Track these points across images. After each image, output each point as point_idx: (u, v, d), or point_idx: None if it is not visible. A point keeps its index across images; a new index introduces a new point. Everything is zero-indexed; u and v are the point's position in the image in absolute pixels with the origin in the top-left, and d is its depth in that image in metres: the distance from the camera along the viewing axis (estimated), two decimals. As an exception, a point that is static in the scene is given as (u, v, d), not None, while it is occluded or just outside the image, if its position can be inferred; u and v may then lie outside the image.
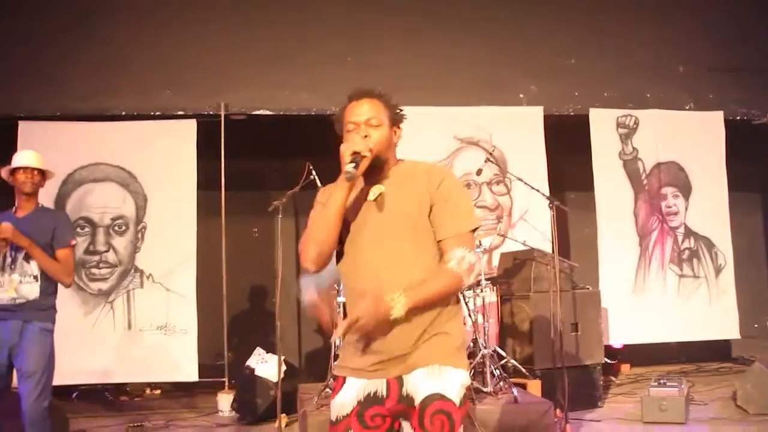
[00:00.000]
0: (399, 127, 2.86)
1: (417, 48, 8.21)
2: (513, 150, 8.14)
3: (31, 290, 4.72)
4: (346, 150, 2.67)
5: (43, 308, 4.77)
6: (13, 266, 4.71)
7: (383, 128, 2.78)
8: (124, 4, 7.95)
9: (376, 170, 2.78)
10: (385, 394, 2.68)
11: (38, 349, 4.67)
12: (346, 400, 2.71)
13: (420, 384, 2.65)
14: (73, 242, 4.96)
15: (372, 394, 2.69)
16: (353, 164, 2.65)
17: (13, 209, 4.89)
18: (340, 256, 2.83)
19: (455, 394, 2.64)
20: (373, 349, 2.69)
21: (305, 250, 2.73)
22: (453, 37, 8.34)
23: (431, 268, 2.71)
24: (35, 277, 4.74)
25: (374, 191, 2.78)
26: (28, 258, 4.72)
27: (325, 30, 8.18)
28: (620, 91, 8.58)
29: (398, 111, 2.86)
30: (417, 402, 2.63)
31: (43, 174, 4.93)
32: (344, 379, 2.76)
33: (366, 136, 2.73)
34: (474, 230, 2.80)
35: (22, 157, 4.91)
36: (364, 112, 2.78)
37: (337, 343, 6.47)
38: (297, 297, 6.18)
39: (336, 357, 6.42)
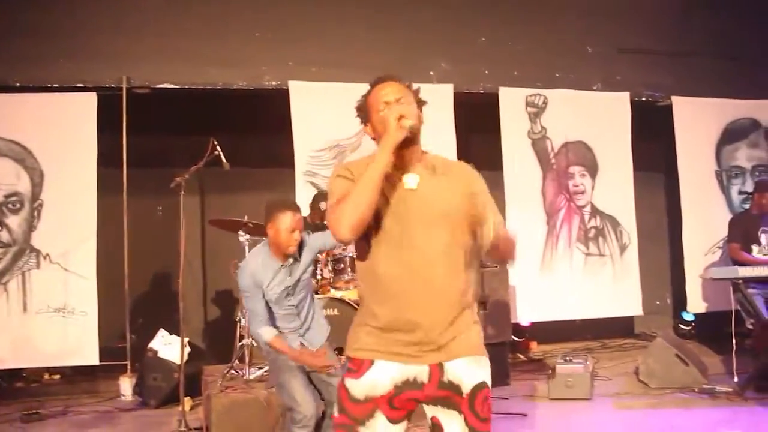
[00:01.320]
0: (422, 111, 2.90)
1: (325, 24, 8.05)
2: (422, 128, 8.06)
3: None
4: (391, 114, 2.72)
5: None
6: None
7: (415, 106, 2.84)
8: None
9: (407, 156, 2.81)
10: (426, 380, 2.71)
11: None
12: (379, 382, 2.71)
13: (465, 373, 2.73)
14: None
15: (411, 380, 2.71)
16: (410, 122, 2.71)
17: None
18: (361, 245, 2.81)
19: (490, 382, 2.81)
20: (409, 330, 2.69)
21: (342, 217, 2.62)
22: (362, 13, 8.22)
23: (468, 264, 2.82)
24: None
25: (412, 179, 2.80)
26: None
27: (233, 4, 7.94)
28: (530, 71, 8.61)
29: (419, 95, 2.93)
30: (466, 390, 2.72)
31: None
32: (371, 361, 2.73)
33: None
34: None
35: None
36: (393, 92, 2.83)
37: (243, 323, 6.34)
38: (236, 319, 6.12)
39: (241, 337, 6.30)
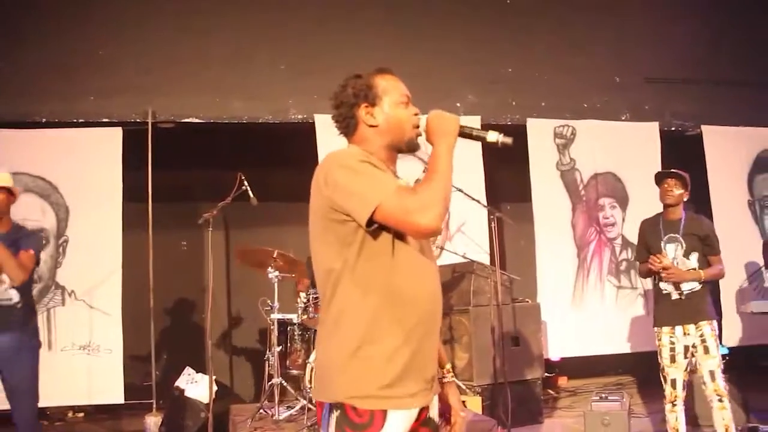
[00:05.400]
0: None
1: (350, 56, 7.98)
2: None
3: (10, 295, 4.75)
4: (456, 123, 2.55)
5: (31, 324, 4.93)
6: None
7: None
8: (45, 4, 7.53)
9: (394, 158, 2.61)
10: (415, 416, 2.40)
11: (33, 367, 4.84)
12: None
13: (435, 405, 2.52)
14: (32, 251, 4.86)
15: (410, 424, 2.40)
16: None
17: None
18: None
19: None
20: (428, 361, 2.43)
21: (434, 204, 2.29)
22: (388, 45, 8.16)
23: None
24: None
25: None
26: None
27: (258, 37, 7.92)
28: (557, 101, 8.53)
29: None
30: (435, 424, 2.53)
31: (11, 191, 4.83)
32: (383, 412, 2.30)
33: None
34: None
35: None
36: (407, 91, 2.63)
37: (271, 361, 6.21)
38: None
39: (270, 376, 6.16)
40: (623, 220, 8.53)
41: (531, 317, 7.13)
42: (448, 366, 2.70)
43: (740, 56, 9.05)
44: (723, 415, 5.23)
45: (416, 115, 2.57)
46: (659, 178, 5.56)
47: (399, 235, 2.37)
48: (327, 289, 2.40)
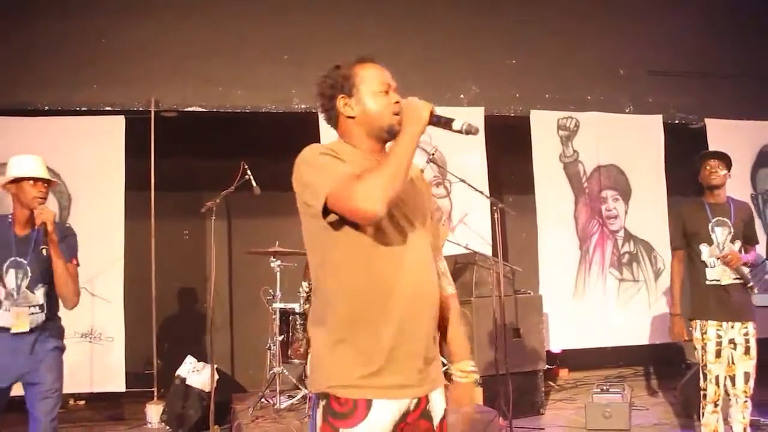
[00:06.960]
0: None
1: (355, 47, 7.93)
2: (453, 151, 7.96)
3: (35, 319, 4.26)
4: (426, 110, 2.43)
5: (55, 327, 4.42)
6: (17, 294, 4.22)
7: None
8: (49, -8, 7.53)
9: (380, 147, 2.55)
10: (413, 407, 2.40)
11: (56, 367, 4.33)
12: (380, 428, 2.32)
13: (439, 402, 2.49)
14: (76, 261, 4.50)
15: (404, 412, 2.38)
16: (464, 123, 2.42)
17: (9, 224, 4.24)
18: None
19: None
20: (411, 351, 2.38)
21: (375, 188, 2.22)
22: (393, 36, 8.14)
23: None
24: (40, 307, 4.29)
25: None
26: (32, 287, 4.26)
27: (262, 26, 7.89)
28: (561, 93, 8.50)
29: None
30: (437, 420, 2.47)
31: (49, 182, 4.35)
32: (367, 401, 2.31)
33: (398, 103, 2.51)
34: None
35: (29, 165, 4.24)
36: (391, 79, 2.59)
37: (273, 350, 6.21)
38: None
39: (272, 366, 6.16)
40: (626, 212, 8.51)
41: (533, 309, 7.14)
42: (464, 365, 2.63)
43: (745, 49, 9.02)
44: (745, 414, 5.03)
45: (397, 103, 2.51)
46: (700, 160, 5.29)
47: (377, 227, 2.36)
48: (313, 280, 2.49)
